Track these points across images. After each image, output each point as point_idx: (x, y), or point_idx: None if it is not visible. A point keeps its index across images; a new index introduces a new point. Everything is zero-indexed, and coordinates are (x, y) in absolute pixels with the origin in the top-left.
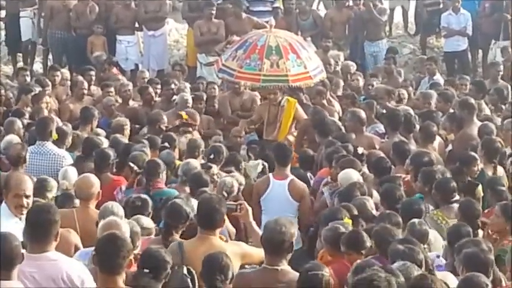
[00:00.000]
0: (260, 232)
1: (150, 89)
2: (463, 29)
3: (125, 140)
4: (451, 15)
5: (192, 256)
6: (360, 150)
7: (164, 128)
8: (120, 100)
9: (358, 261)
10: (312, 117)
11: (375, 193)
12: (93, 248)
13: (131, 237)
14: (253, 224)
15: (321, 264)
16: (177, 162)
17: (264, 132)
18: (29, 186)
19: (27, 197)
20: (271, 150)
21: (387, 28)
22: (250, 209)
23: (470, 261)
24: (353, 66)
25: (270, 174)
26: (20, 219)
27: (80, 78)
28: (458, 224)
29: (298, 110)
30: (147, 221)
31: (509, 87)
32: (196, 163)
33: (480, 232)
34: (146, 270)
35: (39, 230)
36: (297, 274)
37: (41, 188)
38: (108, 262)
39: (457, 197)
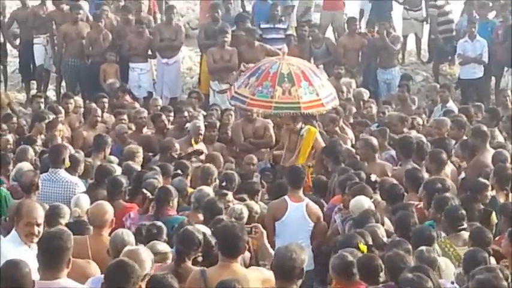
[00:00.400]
0: None
1: (163, 117)
2: (478, 57)
3: (138, 167)
4: (467, 42)
5: (216, 284)
6: (373, 177)
7: (176, 156)
8: (133, 127)
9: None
10: (325, 145)
11: (387, 221)
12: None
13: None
14: (268, 246)
15: None
16: (189, 189)
17: (282, 159)
18: (40, 214)
19: (38, 225)
20: (285, 173)
21: (400, 55)
22: (264, 232)
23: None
24: (366, 93)
25: (286, 197)
26: (29, 246)
27: (94, 105)
28: (474, 250)
29: (317, 140)
30: (163, 246)
31: None
32: (209, 190)
33: (492, 259)
34: None
35: (51, 256)
36: None
37: (53, 215)
38: None
39: (465, 225)
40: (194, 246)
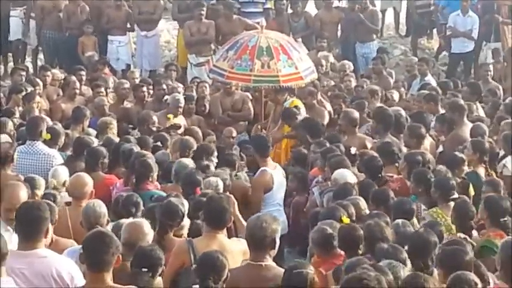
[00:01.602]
0: None
1: (144, 88)
2: (468, 32)
3: (116, 140)
4: (458, 16)
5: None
6: (353, 150)
7: (154, 129)
8: (111, 100)
9: (351, 259)
10: (304, 118)
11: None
12: (80, 247)
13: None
14: (240, 217)
15: (305, 262)
16: None
17: (267, 130)
18: (22, 199)
19: None
20: (251, 142)
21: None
22: (236, 203)
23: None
24: (349, 65)
25: (264, 168)
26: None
27: (73, 78)
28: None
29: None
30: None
31: (501, 88)
32: (188, 162)
33: (474, 233)
34: (144, 269)
35: (29, 227)
36: (281, 270)
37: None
38: (96, 259)
39: (456, 195)
40: (178, 218)
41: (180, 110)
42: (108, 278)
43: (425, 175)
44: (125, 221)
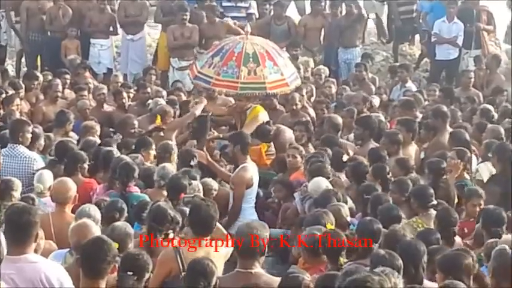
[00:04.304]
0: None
1: (124, 94)
2: (453, 39)
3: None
4: (443, 23)
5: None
6: (344, 157)
7: (135, 132)
8: (94, 104)
9: (348, 265)
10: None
11: (349, 200)
12: (66, 250)
13: (123, 239)
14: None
15: (301, 269)
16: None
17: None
18: None
19: None
20: (233, 139)
21: (360, 35)
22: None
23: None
24: (324, 70)
25: (246, 164)
26: None
27: (56, 81)
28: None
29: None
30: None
31: (481, 95)
32: (172, 167)
33: (457, 239)
34: (130, 273)
35: (19, 231)
36: (271, 277)
37: (6, 188)
38: (93, 266)
39: (434, 202)
40: (166, 222)
41: (171, 118)
42: (103, 284)
43: (406, 184)
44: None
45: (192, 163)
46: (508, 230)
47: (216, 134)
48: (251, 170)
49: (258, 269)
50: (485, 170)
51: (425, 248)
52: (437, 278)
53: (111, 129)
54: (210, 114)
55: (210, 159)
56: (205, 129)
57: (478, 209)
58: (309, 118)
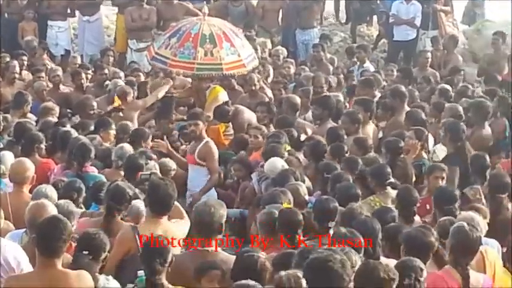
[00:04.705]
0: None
1: (82, 75)
2: (411, 19)
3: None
4: (401, 4)
5: None
6: (303, 137)
7: (94, 113)
8: (50, 85)
9: (304, 245)
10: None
11: (306, 179)
12: (23, 230)
13: (66, 217)
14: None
15: (257, 248)
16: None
17: None
18: None
19: None
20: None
21: (318, 16)
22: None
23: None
24: (282, 51)
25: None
26: None
27: (13, 62)
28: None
29: (217, 98)
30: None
31: (438, 75)
32: (130, 148)
33: (416, 218)
34: (85, 252)
35: None
36: (227, 255)
37: None
38: (48, 245)
39: (391, 179)
40: (125, 201)
41: (129, 98)
42: (59, 263)
43: (356, 162)
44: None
45: (144, 144)
46: (466, 208)
47: (178, 116)
48: (214, 146)
49: (214, 247)
50: (442, 151)
51: (380, 226)
52: (401, 255)
53: (68, 111)
54: (174, 95)
55: (170, 148)
56: (170, 111)
57: (440, 183)
58: (267, 99)
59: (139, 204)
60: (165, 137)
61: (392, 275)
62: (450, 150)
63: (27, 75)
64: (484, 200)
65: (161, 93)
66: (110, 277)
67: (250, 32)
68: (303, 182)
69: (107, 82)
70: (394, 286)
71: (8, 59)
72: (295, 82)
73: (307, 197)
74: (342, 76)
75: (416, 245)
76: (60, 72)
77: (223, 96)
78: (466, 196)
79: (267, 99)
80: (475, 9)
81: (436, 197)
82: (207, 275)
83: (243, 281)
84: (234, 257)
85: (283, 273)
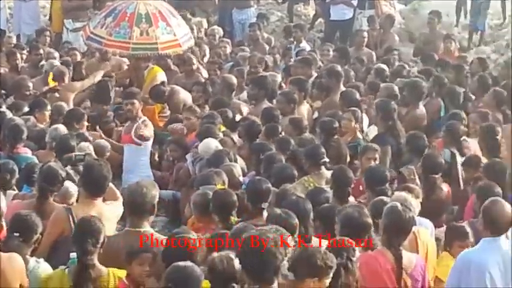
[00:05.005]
0: None
1: (17, 55)
2: None
3: None
4: None
5: None
6: (237, 117)
7: (29, 94)
8: None
9: (238, 225)
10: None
11: (239, 158)
12: None
13: None
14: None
15: (187, 229)
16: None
17: None
18: None
19: None
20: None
21: None
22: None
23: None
24: (218, 30)
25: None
26: None
27: None
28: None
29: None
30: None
31: (374, 54)
32: (64, 129)
33: (350, 199)
34: (16, 234)
35: None
36: (160, 236)
37: None
38: None
39: (325, 159)
40: (58, 183)
41: (66, 79)
42: None
43: (287, 142)
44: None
45: (78, 125)
46: (399, 188)
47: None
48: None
49: (147, 228)
50: (374, 132)
51: (311, 207)
52: (337, 235)
53: (3, 92)
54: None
55: (104, 137)
56: (106, 95)
57: (373, 164)
58: (202, 79)
59: (68, 184)
60: (97, 127)
61: (330, 262)
62: (381, 129)
63: None
64: (418, 180)
65: (98, 77)
66: (41, 259)
67: (183, 12)
68: (236, 162)
69: (42, 62)
70: (331, 274)
71: None
72: (233, 62)
73: (241, 178)
74: (278, 56)
75: (352, 225)
76: None
77: (161, 76)
78: (402, 175)
79: (202, 80)
80: None
81: (367, 178)
82: (138, 258)
83: (180, 263)
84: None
85: (215, 254)
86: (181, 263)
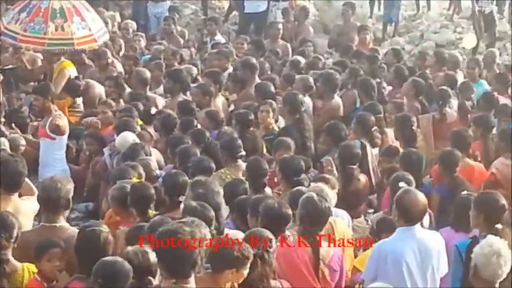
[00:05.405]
0: None
1: None
2: None
3: None
4: None
5: None
6: (153, 110)
7: None
8: None
9: (155, 218)
10: None
11: (156, 152)
12: None
13: None
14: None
15: (99, 222)
16: None
17: None
18: None
19: None
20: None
21: None
22: None
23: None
24: (131, 24)
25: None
26: None
27: None
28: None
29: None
30: None
31: (289, 46)
32: None
33: (267, 189)
34: None
35: None
36: (76, 230)
37: None
38: None
39: (242, 153)
40: None
41: None
42: None
43: (202, 135)
44: None
45: None
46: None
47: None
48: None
49: (62, 222)
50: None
51: (222, 200)
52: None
53: None
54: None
55: (19, 132)
56: (10, 84)
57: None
58: (117, 73)
59: None
60: (13, 125)
61: (247, 253)
62: (288, 122)
63: None
64: (335, 171)
65: None
66: None
67: (100, 5)
68: (150, 155)
69: None
70: (248, 264)
71: None
72: (151, 55)
73: (158, 172)
74: (193, 49)
75: (273, 216)
76: None
77: (70, 70)
78: (322, 166)
79: (115, 74)
80: None
81: (281, 169)
82: (46, 253)
83: (108, 258)
84: None
85: (130, 248)
86: (109, 258)
